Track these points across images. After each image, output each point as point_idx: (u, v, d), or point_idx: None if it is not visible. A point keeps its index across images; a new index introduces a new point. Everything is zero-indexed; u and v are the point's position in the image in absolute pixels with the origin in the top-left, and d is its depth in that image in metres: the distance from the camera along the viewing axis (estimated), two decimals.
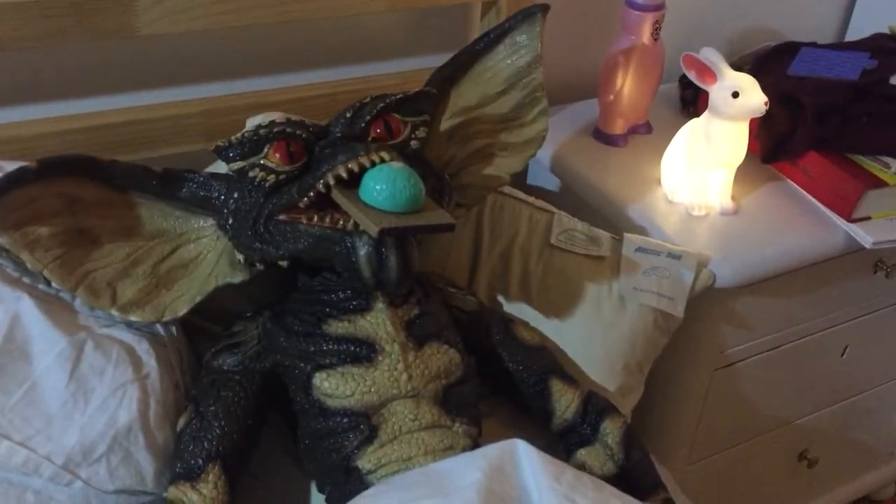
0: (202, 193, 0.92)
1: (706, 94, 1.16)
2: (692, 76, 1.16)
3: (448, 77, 1.05)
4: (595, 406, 0.97)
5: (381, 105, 0.89)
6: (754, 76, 1.35)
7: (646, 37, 1.29)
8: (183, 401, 0.92)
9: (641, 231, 1.20)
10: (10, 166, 0.95)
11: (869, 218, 1.19)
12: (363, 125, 0.89)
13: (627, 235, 1.11)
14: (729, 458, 1.42)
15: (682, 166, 1.22)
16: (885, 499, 1.81)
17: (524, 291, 1.09)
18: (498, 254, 1.11)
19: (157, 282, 0.91)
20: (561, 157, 1.35)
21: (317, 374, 0.87)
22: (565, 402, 0.97)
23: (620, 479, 0.94)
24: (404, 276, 0.84)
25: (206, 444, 0.85)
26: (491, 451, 0.73)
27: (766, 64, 1.38)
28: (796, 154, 1.26)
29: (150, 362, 0.89)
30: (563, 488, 0.67)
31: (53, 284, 0.87)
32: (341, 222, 0.84)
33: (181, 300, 0.91)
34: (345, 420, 0.86)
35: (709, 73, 1.14)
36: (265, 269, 0.91)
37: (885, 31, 1.50)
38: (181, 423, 0.88)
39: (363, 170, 0.83)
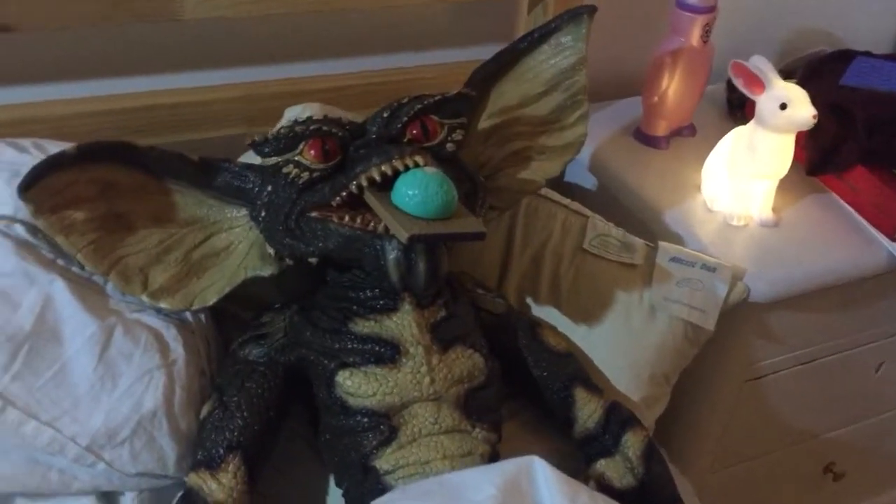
0: (237, 183, 0.92)
1: None
2: (740, 84, 1.13)
3: (489, 76, 1.03)
4: (618, 417, 0.97)
5: (419, 106, 0.89)
6: (805, 83, 1.32)
7: (695, 39, 1.26)
8: (208, 388, 0.92)
9: (677, 238, 1.18)
10: (49, 144, 0.96)
11: None
12: (400, 126, 0.88)
13: (662, 244, 1.09)
14: (753, 467, 1.41)
15: (723, 174, 1.20)
16: None
17: (554, 295, 1.08)
18: (529, 256, 1.10)
19: (189, 269, 0.92)
20: (600, 156, 1.33)
21: (340, 372, 0.87)
22: (588, 412, 0.97)
23: (638, 493, 0.93)
24: (432, 282, 0.84)
25: (227, 434, 0.86)
26: (507, 467, 0.73)
27: (818, 71, 1.34)
28: (843, 167, 1.23)
29: (178, 349, 0.90)
30: None
31: (86, 268, 0.88)
32: (372, 224, 0.83)
33: (211, 289, 0.92)
34: (365, 419, 0.86)
35: (757, 82, 1.11)
36: (290, 269, 0.91)
37: None
38: (205, 411, 0.89)
39: (396, 173, 0.83)
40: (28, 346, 0.84)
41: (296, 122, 0.87)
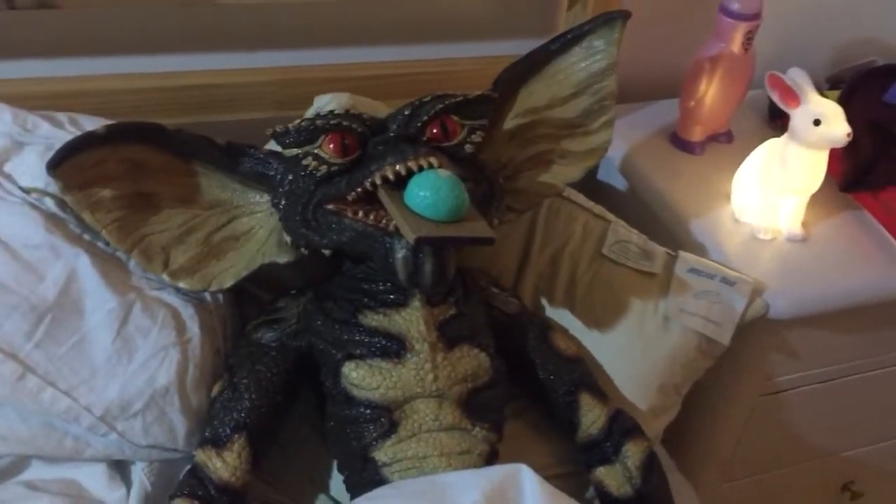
0: (260, 170, 0.94)
1: None
2: (775, 97, 1.11)
3: (519, 75, 1.03)
4: (621, 426, 0.97)
5: (440, 106, 0.89)
6: (848, 96, 1.30)
7: (736, 46, 1.24)
8: (221, 367, 0.95)
9: (701, 247, 1.17)
10: (84, 120, 1.00)
11: None
12: (420, 125, 0.89)
13: (682, 254, 1.09)
14: (767, 481, 1.40)
15: (753, 186, 1.18)
16: None
17: (569, 298, 1.09)
18: (548, 257, 1.10)
19: (209, 251, 0.95)
20: (632, 157, 1.32)
21: (346, 363, 0.89)
22: (591, 418, 0.98)
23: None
24: (438, 282, 0.85)
25: (235, 414, 0.89)
26: (495, 474, 0.74)
27: (863, 85, 1.31)
28: (877, 186, 1.21)
29: (194, 328, 0.93)
30: None
31: (110, 244, 0.91)
32: (384, 221, 0.85)
33: (229, 272, 0.94)
34: (367, 411, 0.88)
35: (792, 95, 1.10)
36: (310, 254, 0.93)
37: None
38: (216, 389, 0.92)
39: (410, 173, 0.84)
40: (51, 317, 0.87)
41: (317, 116, 0.89)
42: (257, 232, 0.96)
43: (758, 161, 1.18)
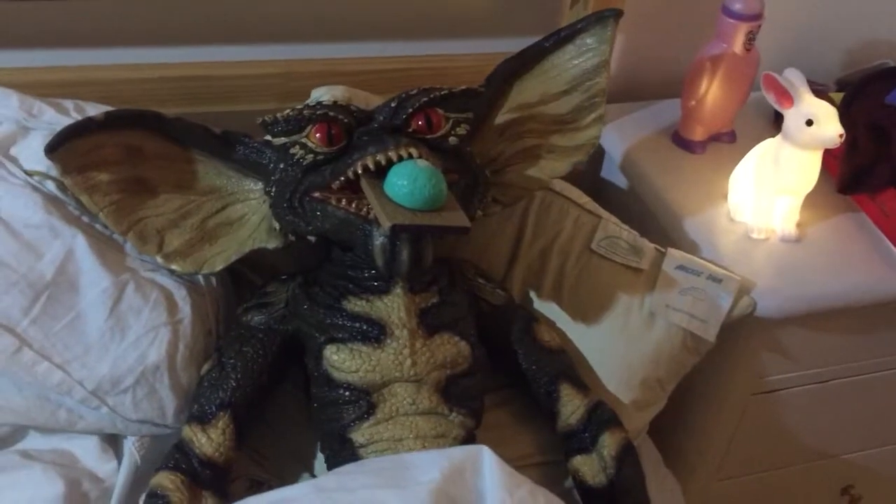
0: (255, 157, 0.97)
1: None
2: (770, 98, 1.12)
3: (512, 71, 1.05)
4: (599, 416, 0.99)
5: (425, 99, 0.92)
6: (852, 98, 1.30)
7: (738, 46, 1.25)
8: (212, 347, 0.99)
9: (694, 245, 1.18)
10: (89, 107, 1.04)
11: None
12: (405, 116, 0.92)
13: (671, 251, 1.10)
14: (764, 480, 1.40)
15: (749, 185, 1.19)
16: None
17: (556, 292, 1.10)
18: (538, 250, 1.12)
19: (203, 236, 0.98)
20: (633, 156, 1.33)
21: (328, 346, 0.92)
22: (571, 408, 0.99)
23: (609, 493, 0.96)
24: (415, 270, 0.87)
25: (220, 393, 0.92)
26: (456, 454, 0.76)
27: (867, 87, 1.31)
28: (875, 188, 1.20)
29: (186, 309, 0.96)
30: (514, 502, 0.70)
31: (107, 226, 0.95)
32: (365, 210, 0.88)
33: (220, 257, 0.98)
34: (347, 393, 0.91)
35: (786, 95, 1.10)
36: (297, 241, 0.96)
37: None
38: (205, 368, 0.96)
39: (390, 163, 0.86)
40: (48, 294, 0.91)
41: (305, 106, 0.92)
42: (250, 218, 0.99)
43: (753, 161, 1.18)
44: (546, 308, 1.11)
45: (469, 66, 1.25)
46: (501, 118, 1.06)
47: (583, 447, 0.98)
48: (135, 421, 0.94)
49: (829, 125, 1.08)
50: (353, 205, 0.88)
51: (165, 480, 0.87)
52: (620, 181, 1.38)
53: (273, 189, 0.95)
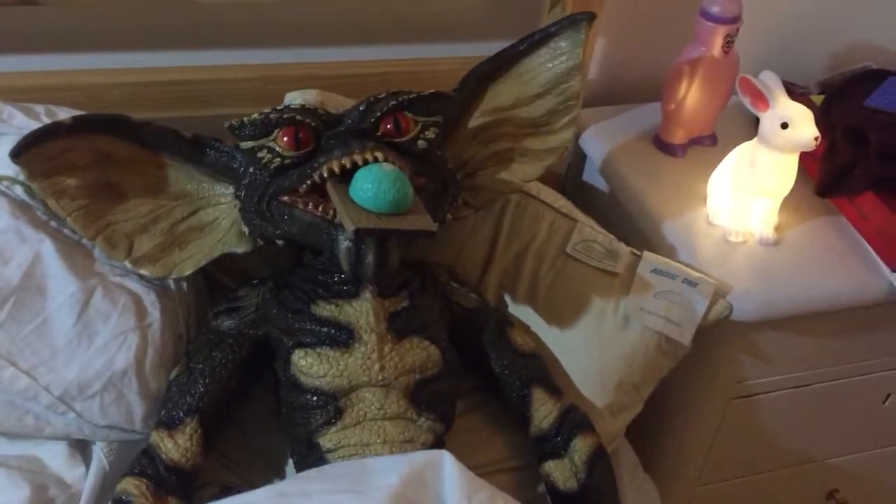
0: (225, 162, 0.97)
1: None
2: (746, 101, 1.11)
3: (486, 74, 1.05)
4: (571, 421, 0.98)
5: (393, 103, 0.92)
6: (831, 101, 1.30)
7: (716, 49, 1.25)
8: (183, 352, 0.98)
9: (671, 248, 1.18)
10: (61, 111, 1.04)
11: None
12: (373, 120, 0.91)
13: (646, 254, 1.09)
14: (747, 485, 1.40)
15: (726, 189, 1.18)
16: None
17: (531, 295, 1.10)
18: (513, 254, 1.12)
19: (173, 240, 0.98)
20: (613, 159, 1.33)
21: (296, 351, 0.92)
22: (543, 413, 0.99)
23: (580, 498, 0.95)
24: (380, 274, 0.87)
25: (188, 398, 0.92)
26: (416, 458, 0.76)
27: (847, 90, 1.31)
28: (853, 192, 1.20)
29: (155, 314, 0.96)
30: None
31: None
32: (331, 213, 0.87)
33: (189, 261, 0.97)
34: (314, 398, 0.91)
35: (761, 98, 1.10)
36: (268, 245, 0.96)
37: None
38: (174, 373, 0.95)
39: (356, 166, 0.86)
40: (14, 299, 0.91)
41: (273, 110, 0.91)
42: (221, 223, 0.99)
43: (730, 164, 1.18)
44: (521, 312, 1.11)
45: (448, 70, 1.25)
46: (475, 121, 1.05)
47: (555, 452, 0.98)
48: (102, 426, 0.94)
49: (804, 128, 1.08)
50: (320, 208, 0.88)
51: (130, 486, 0.87)
52: (601, 184, 1.37)
53: (242, 193, 0.95)
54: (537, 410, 0.99)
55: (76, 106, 1.07)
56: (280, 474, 1.00)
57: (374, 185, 0.83)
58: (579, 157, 1.42)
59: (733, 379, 1.21)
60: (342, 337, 0.91)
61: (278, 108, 0.92)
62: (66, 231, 0.96)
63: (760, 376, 1.22)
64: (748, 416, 1.27)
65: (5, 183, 0.95)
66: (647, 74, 1.45)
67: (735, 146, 1.21)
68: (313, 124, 0.91)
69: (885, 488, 1.51)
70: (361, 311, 0.92)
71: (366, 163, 0.86)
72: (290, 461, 0.98)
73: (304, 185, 0.89)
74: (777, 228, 1.19)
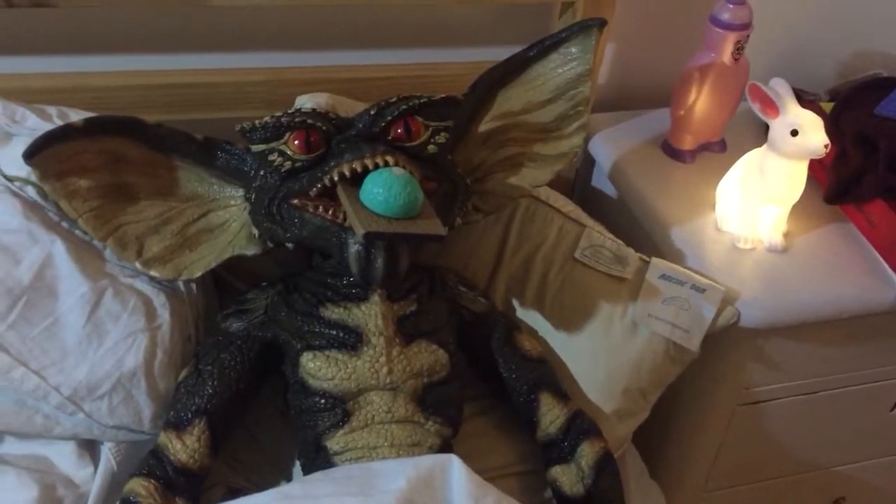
0: (236, 164, 0.98)
1: None
2: (756, 108, 1.11)
3: (497, 79, 1.06)
4: (578, 426, 0.98)
5: (404, 107, 0.92)
6: (841, 108, 1.30)
7: (726, 56, 1.25)
8: (192, 354, 0.98)
9: (680, 254, 1.18)
10: (73, 113, 1.04)
11: None
12: (384, 124, 0.92)
13: (655, 260, 1.09)
14: (753, 491, 1.40)
15: (735, 195, 1.18)
16: None
17: (538, 300, 1.10)
18: (521, 259, 1.12)
19: (183, 242, 0.98)
20: (622, 165, 1.33)
21: (305, 354, 0.92)
22: (551, 418, 0.99)
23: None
24: (389, 278, 0.87)
25: (197, 399, 0.92)
26: (424, 462, 0.76)
27: (857, 97, 1.30)
28: (862, 199, 1.19)
29: (164, 315, 0.96)
30: None
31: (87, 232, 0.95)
32: (341, 217, 0.88)
33: (199, 263, 0.98)
34: (322, 401, 0.91)
35: (772, 105, 1.10)
36: (277, 248, 0.96)
37: None
38: (182, 374, 0.95)
39: (367, 170, 0.86)
40: (25, 299, 0.91)
41: (284, 113, 0.92)
42: (231, 225, 0.99)
43: (739, 171, 1.18)
44: (529, 316, 1.11)
45: (458, 75, 1.25)
46: (485, 126, 1.06)
47: (561, 457, 0.98)
48: (111, 427, 0.94)
49: (814, 135, 1.07)
50: (330, 212, 0.88)
51: (138, 486, 0.87)
52: (610, 190, 1.37)
53: (253, 196, 0.95)
54: (544, 415, 0.99)
55: (88, 108, 1.07)
56: (287, 476, 1.00)
57: (385, 189, 0.84)
58: (588, 163, 1.43)
59: (740, 385, 1.21)
60: (351, 340, 0.91)
61: (289, 111, 0.92)
62: (77, 232, 0.96)
63: (768, 383, 1.22)
64: (755, 422, 1.27)
65: (17, 184, 0.95)
66: (656, 80, 1.45)
67: (744, 153, 1.21)
68: (324, 128, 0.91)
69: (892, 497, 1.51)
70: (370, 315, 0.92)
71: (376, 167, 0.86)
72: (298, 463, 0.98)
73: (315, 189, 0.89)
74: (786, 235, 1.19)
